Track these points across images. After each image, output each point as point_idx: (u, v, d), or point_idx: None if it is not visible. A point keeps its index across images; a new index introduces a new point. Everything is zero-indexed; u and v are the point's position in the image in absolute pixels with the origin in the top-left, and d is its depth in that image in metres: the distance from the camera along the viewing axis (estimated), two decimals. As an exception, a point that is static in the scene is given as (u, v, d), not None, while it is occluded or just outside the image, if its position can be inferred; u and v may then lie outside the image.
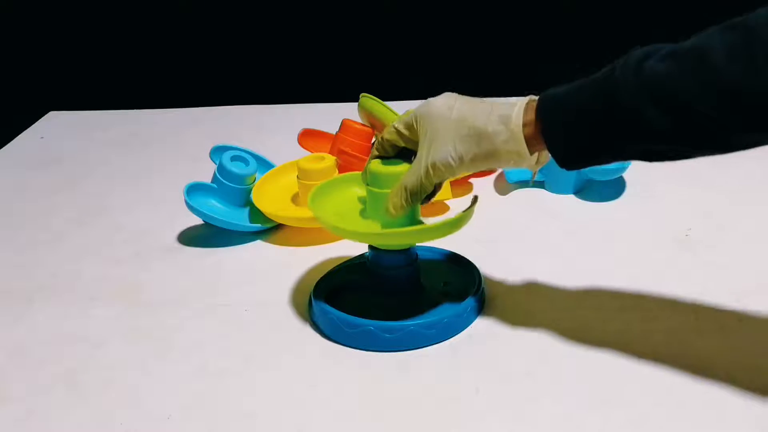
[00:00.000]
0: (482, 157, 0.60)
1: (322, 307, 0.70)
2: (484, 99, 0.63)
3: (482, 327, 0.70)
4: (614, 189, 0.93)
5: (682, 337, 0.66)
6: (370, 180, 0.68)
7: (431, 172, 0.62)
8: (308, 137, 0.99)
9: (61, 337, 0.72)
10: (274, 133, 1.17)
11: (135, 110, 1.34)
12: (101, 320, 0.74)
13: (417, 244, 0.72)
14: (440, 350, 0.67)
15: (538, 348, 0.66)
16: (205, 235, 0.89)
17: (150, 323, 0.74)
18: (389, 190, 0.66)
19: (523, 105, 0.59)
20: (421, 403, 0.61)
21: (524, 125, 0.58)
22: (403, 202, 0.64)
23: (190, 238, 0.89)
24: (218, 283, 0.80)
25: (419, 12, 1.59)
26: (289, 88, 1.43)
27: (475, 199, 0.68)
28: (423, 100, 0.64)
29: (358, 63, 1.61)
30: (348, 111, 1.01)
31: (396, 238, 0.67)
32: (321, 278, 0.75)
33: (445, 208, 0.92)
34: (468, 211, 0.66)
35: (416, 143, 0.64)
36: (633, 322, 0.68)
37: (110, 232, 0.92)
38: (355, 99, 0.97)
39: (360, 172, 0.72)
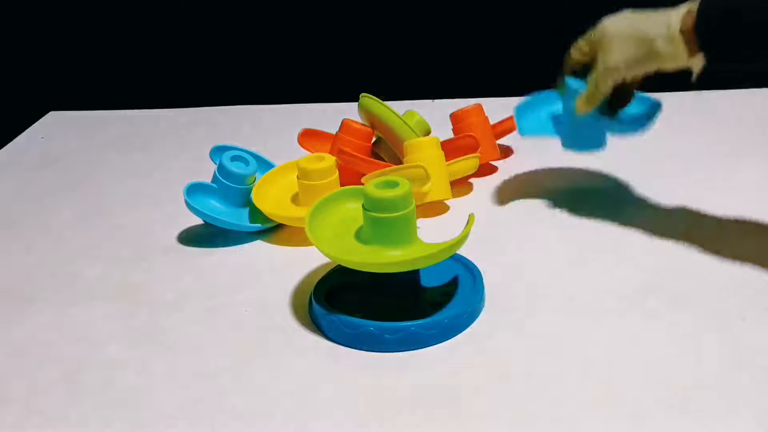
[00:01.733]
0: (644, 58, 0.72)
1: (322, 308, 0.70)
2: (652, 12, 0.74)
3: (482, 327, 0.70)
4: (614, 189, 0.93)
5: (682, 336, 0.66)
6: (367, 203, 0.68)
7: (603, 75, 0.75)
8: (308, 137, 0.99)
9: (61, 337, 0.72)
10: (274, 133, 1.17)
11: (135, 110, 1.34)
12: (101, 320, 0.74)
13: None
14: (440, 350, 0.67)
15: (538, 348, 0.66)
16: (205, 235, 0.89)
17: (150, 323, 0.74)
18: (386, 215, 0.67)
19: (684, 11, 0.70)
20: (421, 403, 0.61)
21: (683, 29, 0.69)
22: (590, 103, 0.79)
23: (190, 238, 0.89)
24: (218, 283, 0.80)
25: (419, 12, 1.59)
26: (289, 88, 1.43)
27: (471, 219, 0.69)
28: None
29: (358, 63, 1.61)
30: (348, 111, 1.01)
31: (394, 267, 0.68)
32: (321, 278, 0.75)
33: (445, 208, 0.92)
34: (464, 233, 0.67)
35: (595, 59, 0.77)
36: (633, 322, 0.68)
37: (110, 232, 0.92)
38: (355, 99, 0.97)
39: (351, 187, 0.75)
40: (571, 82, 0.81)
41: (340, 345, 0.68)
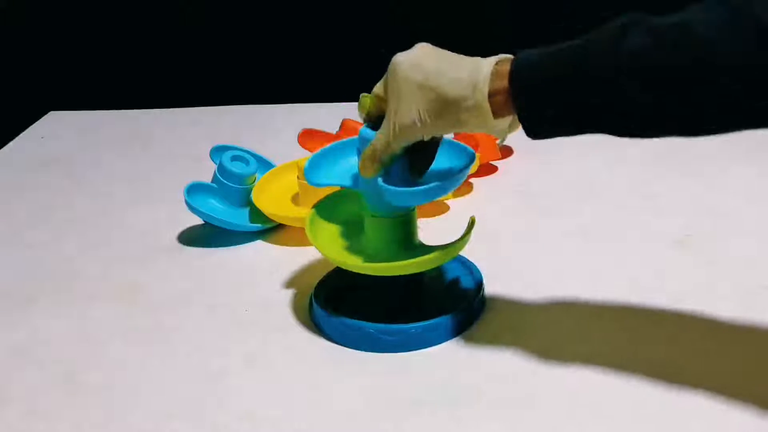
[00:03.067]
0: (448, 123, 0.59)
1: (322, 309, 0.70)
2: (459, 56, 0.60)
3: (482, 328, 0.70)
4: (615, 189, 0.93)
5: (682, 336, 0.66)
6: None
7: (398, 134, 0.61)
8: (308, 137, 0.99)
9: (61, 337, 0.72)
10: (274, 133, 1.17)
11: (135, 110, 1.34)
12: (101, 320, 0.74)
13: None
14: (441, 351, 0.67)
15: (538, 349, 0.66)
16: (205, 235, 0.89)
17: (150, 323, 0.74)
18: (386, 216, 0.67)
19: (490, 70, 0.57)
20: (421, 404, 0.61)
21: (494, 92, 0.56)
22: (373, 164, 0.63)
23: (190, 238, 0.89)
24: (218, 283, 0.80)
25: (419, 12, 1.59)
26: (289, 88, 1.42)
27: (472, 221, 0.68)
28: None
29: (358, 63, 1.61)
30: (348, 111, 1.01)
31: (394, 270, 0.67)
32: (322, 279, 0.75)
33: (445, 208, 0.92)
34: (465, 237, 0.68)
35: None
36: (634, 323, 0.68)
37: (110, 232, 0.92)
38: (355, 99, 0.97)
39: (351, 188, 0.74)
40: (368, 133, 0.65)
41: (341, 345, 0.68)
